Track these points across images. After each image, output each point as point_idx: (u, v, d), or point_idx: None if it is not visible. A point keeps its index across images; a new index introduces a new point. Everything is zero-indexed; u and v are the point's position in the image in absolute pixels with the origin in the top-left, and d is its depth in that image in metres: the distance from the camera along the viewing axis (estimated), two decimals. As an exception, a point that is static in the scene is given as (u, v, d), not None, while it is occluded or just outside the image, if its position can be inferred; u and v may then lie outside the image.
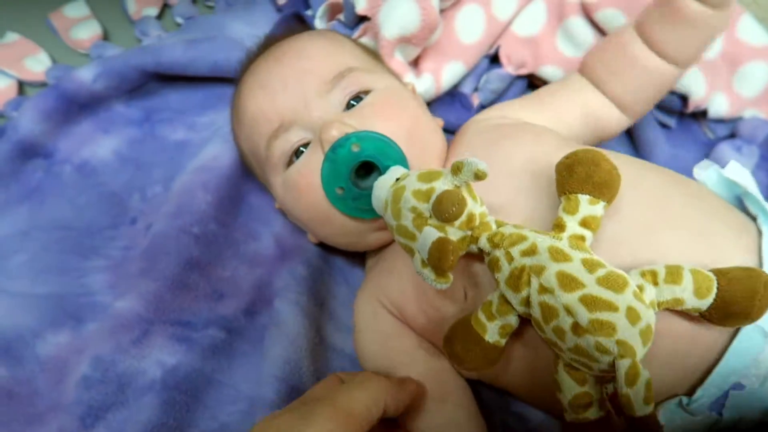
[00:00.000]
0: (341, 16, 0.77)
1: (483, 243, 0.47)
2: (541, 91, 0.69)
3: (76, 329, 0.66)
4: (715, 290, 0.42)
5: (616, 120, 0.65)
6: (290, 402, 0.55)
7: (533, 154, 0.54)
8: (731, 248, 0.48)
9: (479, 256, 0.49)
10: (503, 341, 0.47)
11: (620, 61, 0.62)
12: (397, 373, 0.56)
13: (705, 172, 0.57)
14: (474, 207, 0.47)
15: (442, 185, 0.46)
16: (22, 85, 0.88)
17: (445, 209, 0.44)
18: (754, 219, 0.52)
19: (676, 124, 0.82)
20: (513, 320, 0.46)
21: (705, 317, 0.43)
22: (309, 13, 0.84)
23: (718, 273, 0.43)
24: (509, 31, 0.81)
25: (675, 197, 0.51)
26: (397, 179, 0.50)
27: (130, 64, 0.80)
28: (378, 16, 0.70)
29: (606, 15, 0.74)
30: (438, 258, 0.43)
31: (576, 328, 0.40)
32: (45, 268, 0.71)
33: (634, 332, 0.40)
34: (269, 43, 0.69)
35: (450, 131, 0.77)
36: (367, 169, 0.56)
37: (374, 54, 0.71)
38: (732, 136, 0.81)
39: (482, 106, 0.82)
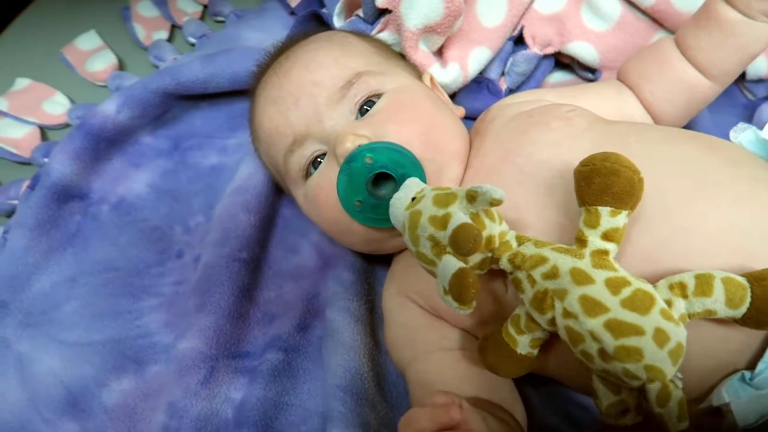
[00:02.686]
0: (359, 12, 0.73)
1: (504, 264, 0.46)
2: (580, 86, 0.67)
3: (139, 373, 0.65)
4: (749, 299, 0.40)
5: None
6: (358, 412, 0.57)
7: (558, 148, 0.52)
8: None
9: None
10: (535, 351, 0.47)
11: (652, 64, 0.60)
12: (418, 364, 0.57)
13: (742, 134, 0.55)
14: (492, 228, 0.46)
15: (457, 211, 0.45)
16: (43, 131, 0.86)
17: (462, 246, 0.42)
18: None
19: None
20: (542, 335, 0.46)
21: (739, 323, 0.41)
22: (325, 11, 0.81)
23: (752, 279, 0.40)
24: (532, 10, 0.77)
25: (711, 166, 0.48)
26: (413, 198, 0.49)
27: (151, 89, 0.78)
28: (400, 7, 0.67)
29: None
30: (458, 291, 0.42)
31: (603, 354, 0.40)
32: (98, 313, 0.70)
33: (662, 355, 0.39)
34: (279, 51, 0.68)
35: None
36: (384, 176, 0.54)
37: (387, 50, 0.68)
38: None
39: (510, 90, 0.79)
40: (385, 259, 0.68)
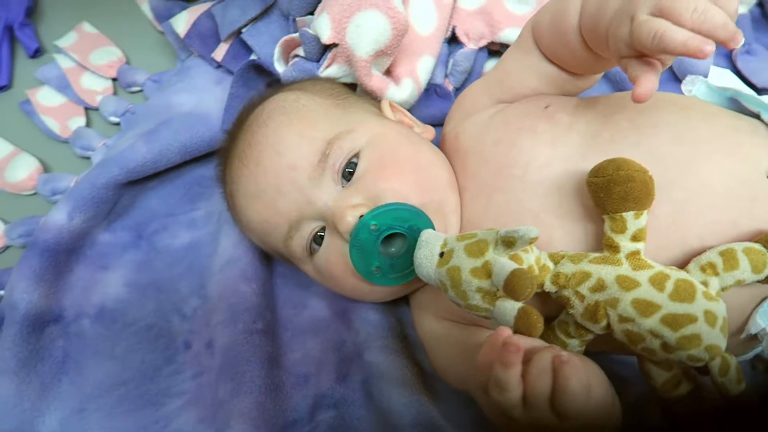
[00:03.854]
0: (300, 51, 0.72)
1: (548, 286, 0.48)
2: (504, 70, 0.65)
3: (193, 481, 0.61)
4: None
5: (577, 84, 0.61)
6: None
7: (553, 150, 0.54)
8: (759, 153, 0.50)
9: None
10: (584, 348, 0.50)
11: (563, 50, 0.57)
12: None
13: (695, 87, 0.60)
14: (529, 259, 0.48)
15: (497, 257, 0.46)
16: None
17: (520, 293, 0.44)
18: (756, 116, 0.55)
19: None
20: (592, 336, 0.49)
21: (762, 282, 0.46)
22: (254, 57, 0.79)
23: (767, 243, 0.45)
24: (458, 8, 0.79)
25: (693, 126, 0.52)
26: (441, 254, 0.50)
27: (100, 185, 0.72)
28: (347, 39, 0.66)
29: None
30: (527, 329, 0.44)
31: (665, 347, 0.44)
32: (123, 434, 0.64)
33: (716, 333, 0.43)
34: (235, 131, 0.66)
35: (438, 124, 0.74)
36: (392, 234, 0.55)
37: (342, 93, 0.67)
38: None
39: (456, 90, 0.81)
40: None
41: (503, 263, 0.45)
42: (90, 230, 0.74)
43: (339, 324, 0.69)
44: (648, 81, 0.43)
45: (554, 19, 0.56)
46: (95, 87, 0.88)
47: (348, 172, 0.57)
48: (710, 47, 0.39)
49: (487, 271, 0.47)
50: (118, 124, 0.86)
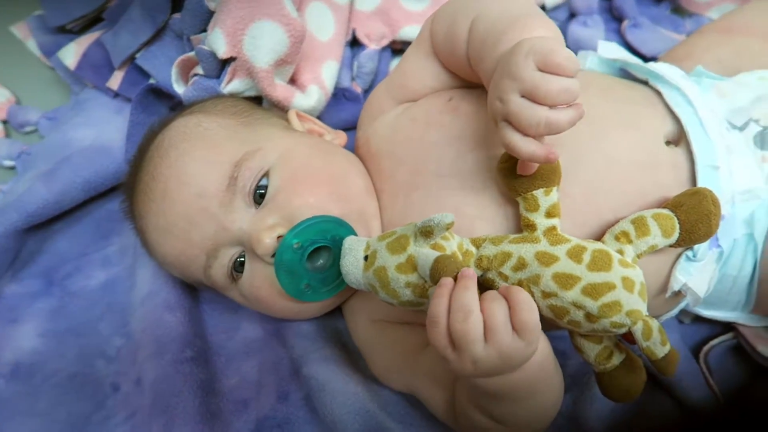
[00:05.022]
0: (198, 70, 0.70)
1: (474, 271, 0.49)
2: (404, 72, 0.64)
3: None
4: (677, 226, 0.47)
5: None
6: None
7: (460, 141, 0.54)
8: (654, 122, 0.53)
9: None
10: None
11: (453, 59, 0.58)
12: (424, 366, 0.56)
13: (587, 60, 0.63)
14: (451, 245, 0.48)
15: (419, 249, 0.46)
16: None
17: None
18: (644, 83, 0.58)
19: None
20: None
21: (674, 246, 0.48)
22: (153, 81, 0.76)
23: (675, 207, 0.48)
24: (356, 11, 0.80)
25: (593, 102, 0.53)
26: (366, 257, 0.50)
27: None
28: (244, 51, 0.65)
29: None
30: None
31: (589, 317, 0.45)
32: (55, 496, 0.60)
33: (634, 298, 0.45)
34: (137, 165, 0.62)
35: (351, 128, 0.74)
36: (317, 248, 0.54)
37: (245, 109, 0.65)
38: (573, 15, 0.85)
39: (365, 92, 0.81)
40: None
41: (426, 254, 0.45)
42: (-5, 283, 0.69)
43: (274, 342, 0.67)
44: (546, 149, 0.43)
45: (447, 38, 0.56)
46: (-17, 131, 0.83)
47: (260, 194, 0.56)
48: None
49: (412, 265, 0.47)
50: (13, 168, 0.81)
